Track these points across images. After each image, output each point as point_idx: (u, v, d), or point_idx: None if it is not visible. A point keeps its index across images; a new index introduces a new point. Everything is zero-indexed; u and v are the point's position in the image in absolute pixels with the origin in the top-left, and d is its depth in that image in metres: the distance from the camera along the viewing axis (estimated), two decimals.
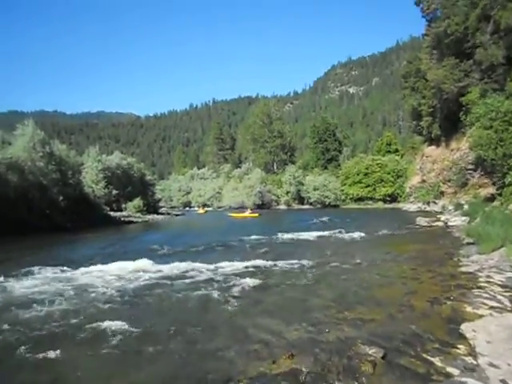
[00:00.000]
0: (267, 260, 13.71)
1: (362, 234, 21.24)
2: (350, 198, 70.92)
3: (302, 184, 74.38)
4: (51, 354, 6.58)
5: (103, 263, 13.47)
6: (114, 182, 47.00)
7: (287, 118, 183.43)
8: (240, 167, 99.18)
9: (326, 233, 22.66)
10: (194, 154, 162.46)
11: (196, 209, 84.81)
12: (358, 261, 13.46)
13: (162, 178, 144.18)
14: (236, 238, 21.17)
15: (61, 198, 30.75)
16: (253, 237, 21.25)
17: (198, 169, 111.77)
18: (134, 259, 14.09)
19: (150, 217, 45.37)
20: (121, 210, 46.05)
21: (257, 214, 46.18)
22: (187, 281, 11.06)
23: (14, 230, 23.99)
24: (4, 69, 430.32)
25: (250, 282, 10.69)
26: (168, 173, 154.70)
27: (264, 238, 20.99)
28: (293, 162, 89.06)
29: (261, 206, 70.93)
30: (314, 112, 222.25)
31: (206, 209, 73.79)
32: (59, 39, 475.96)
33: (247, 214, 46.79)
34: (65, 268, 12.86)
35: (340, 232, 22.65)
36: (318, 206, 71.35)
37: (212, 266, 12.79)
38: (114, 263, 13.39)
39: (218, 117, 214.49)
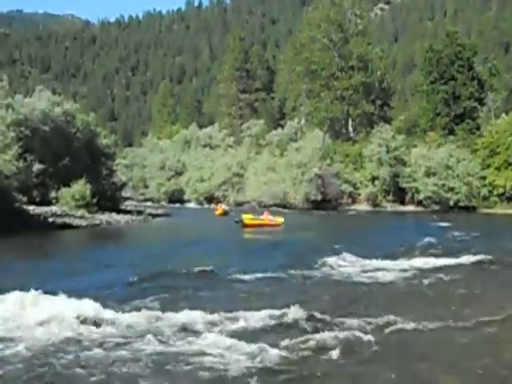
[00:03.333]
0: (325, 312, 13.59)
1: None
2: (499, 195, 69.68)
3: (404, 163, 73.59)
4: None
5: None
6: (36, 149, 47.50)
7: (378, 32, 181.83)
8: (282, 127, 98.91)
9: (450, 262, 22.43)
10: (191, 99, 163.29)
11: (193, 205, 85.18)
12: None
13: (129, 143, 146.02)
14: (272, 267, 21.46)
15: None
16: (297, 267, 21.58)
17: (200, 128, 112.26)
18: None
19: (103, 217, 45.67)
20: (49, 203, 46.51)
21: (281, 221, 45.82)
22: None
23: None
24: None
25: (281, 348, 10.65)
26: (141, 133, 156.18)
27: (310, 267, 21.42)
28: (386, 120, 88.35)
29: (320, 205, 70.52)
30: (430, 21, 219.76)
31: (225, 207, 69.32)
32: None
33: (265, 218, 46.22)
34: None
35: (481, 264, 22.38)
36: (434, 207, 70.46)
37: (215, 319, 12.88)
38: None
39: (242, 28, 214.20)
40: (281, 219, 46.00)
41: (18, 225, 34.63)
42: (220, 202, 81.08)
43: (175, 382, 9.37)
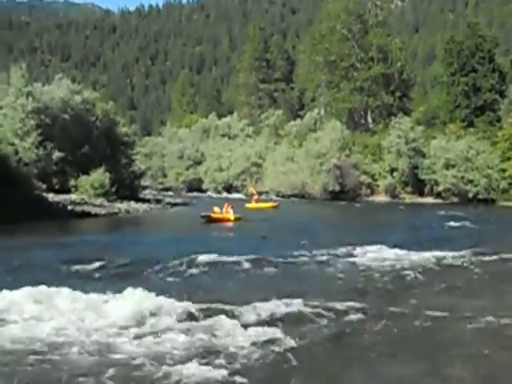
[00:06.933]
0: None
1: None
2: None
3: (423, 155, 73.21)
4: None
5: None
6: (56, 137, 47.60)
7: (398, 23, 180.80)
8: (301, 117, 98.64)
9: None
10: (211, 89, 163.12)
11: (211, 194, 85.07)
12: None
13: (147, 132, 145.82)
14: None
15: None
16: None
17: (220, 117, 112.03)
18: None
19: (122, 205, 45.81)
20: (68, 191, 46.66)
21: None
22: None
23: None
24: None
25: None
26: (160, 123, 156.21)
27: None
28: (405, 112, 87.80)
29: (338, 195, 70.35)
30: (451, 12, 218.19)
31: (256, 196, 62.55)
32: None
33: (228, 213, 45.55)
34: None
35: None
36: (453, 199, 70.10)
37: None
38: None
39: (262, 17, 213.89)
40: (237, 215, 45.51)
41: (38, 212, 34.73)
42: (238, 191, 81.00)
43: None
